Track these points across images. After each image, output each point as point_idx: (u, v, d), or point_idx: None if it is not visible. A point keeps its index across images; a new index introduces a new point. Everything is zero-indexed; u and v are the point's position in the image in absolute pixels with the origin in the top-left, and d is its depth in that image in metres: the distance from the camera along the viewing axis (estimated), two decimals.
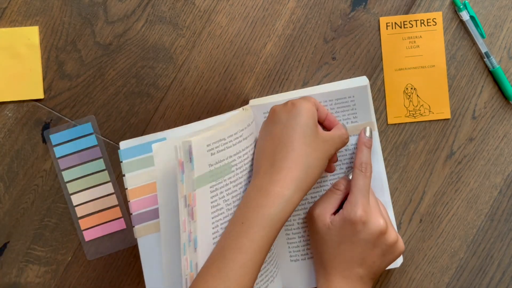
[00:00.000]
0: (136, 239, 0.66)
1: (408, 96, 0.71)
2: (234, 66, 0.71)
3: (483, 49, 0.71)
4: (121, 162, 0.64)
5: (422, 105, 0.70)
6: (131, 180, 0.64)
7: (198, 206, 0.58)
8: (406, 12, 0.71)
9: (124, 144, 0.64)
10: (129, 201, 0.64)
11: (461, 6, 0.70)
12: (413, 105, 0.71)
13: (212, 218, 0.59)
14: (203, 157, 0.57)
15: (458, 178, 0.72)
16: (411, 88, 0.71)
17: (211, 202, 0.59)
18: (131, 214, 0.64)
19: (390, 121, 0.71)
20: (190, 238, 0.58)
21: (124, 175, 0.64)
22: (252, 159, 0.64)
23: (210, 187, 0.59)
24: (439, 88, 0.71)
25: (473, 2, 0.71)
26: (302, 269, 0.68)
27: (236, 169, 0.61)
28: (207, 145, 0.58)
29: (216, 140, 0.59)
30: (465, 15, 0.71)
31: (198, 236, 0.58)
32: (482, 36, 0.71)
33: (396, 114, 0.71)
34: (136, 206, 0.64)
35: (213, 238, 0.59)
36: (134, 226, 0.64)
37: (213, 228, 0.59)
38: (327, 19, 0.71)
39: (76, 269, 0.71)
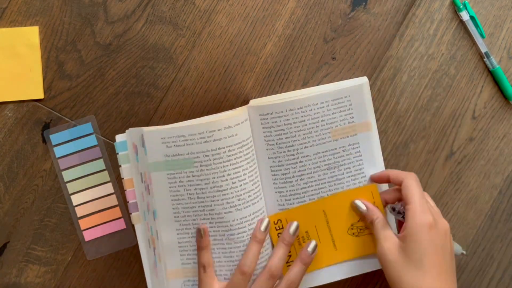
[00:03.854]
0: (136, 239, 0.68)
1: None
2: (234, 66, 0.71)
3: (483, 49, 0.71)
4: (117, 154, 0.67)
5: None
6: (127, 171, 0.67)
7: (154, 186, 0.65)
8: (406, 12, 0.71)
9: (119, 137, 0.67)
10: (125, 190, 0.68)
11: (461, 6, 0.70)
12: None
13: (172, 200, 0.65)
14: (157, 146, 0.64)
15: (458, 178, 0.72)
16: None
17: (170, 187, 0.65)
18: (128, 202, 0.68)
19: None
20: (149, 208, 0.66)
21: (120, 166, 0.67)
22: (229, 161, 0.64)
23: (168, 174, 0.64)
24: None
25: (473, 2, 0.71)
26: None
27: (201, 165, 0.64)
28: (162, 138, 0.64)
29: (172, 135, 0.64)
30: (465, 15, 0.71)
31: (157, 209, 0.65)
32: (482, 36, 0.71)
33: None
34: (132, 195, 0.68)
35: (174, 217, 0.65)
36: (131, 214, 0.68)
37: (173, 208, 0.65)
38: (327, 19, 0.71)
39: (76, 269, 0.71)
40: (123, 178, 0.68)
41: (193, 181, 0.64)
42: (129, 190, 0.68)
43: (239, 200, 0.64)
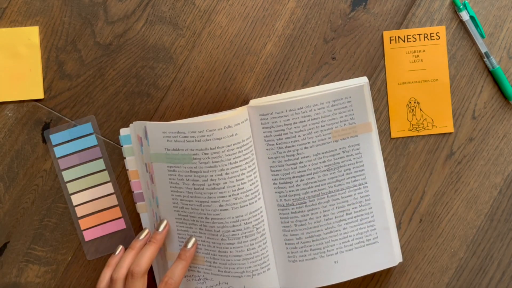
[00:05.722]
0: None
1: (411, 110, 0.71)
2: (234, 66, 0.71)
3: (483, 49, 0.71)
4: (121, 146, 0.70)
5: (425, 118, 0.70)
6: (131, 163, 0.70)
7: (156, 176, 0.67)
8: (406, 12, 0.71)
9: (123, 131, 0.70)
10: (130, 181, 0.70)
11: (461, 6, 0.70)
12: (416, 119, 0.71)
13: (171, 191, 0.67)
14: (158, 139, 0.66)
15: (458, 178, 0.72)
16: (414, 102, 0.71)
17: (169, 178, 0.67)
18: (133, 192, 0.70)
19: (393, 134, 0.71)
20: (153, 196, 0.69)
21: (125, 158, 0.70)
22: (228, 160, 0.65)
23: (168, 166, 0.67)
24: (442, 102, 0.71)
25: (473, 2, 0.71)
26: (300, 269, 0.68)
27: (199, 163, 0.65)
28: (163, 132, 0.66)
29: (173, 131, 0.65)
30: (465, 15, 0.71)
31: (158, 197, 0.68)
32: (482, 36, 0.71)
33: (400, 127, 0.71)
34: (136, 185, 0.70)
35: (173, 206, 0.68)
36: (136, 203, 0.70)
37: (172, 198, 0.68)
38: (327, 19, 0.71)
39: (76, 269, 0.71)
40: (127, 170, 0.70)
41: (191, 176, 0.66)
42: (134, 181, 0.70)
43: (236, 199, 0.65)
